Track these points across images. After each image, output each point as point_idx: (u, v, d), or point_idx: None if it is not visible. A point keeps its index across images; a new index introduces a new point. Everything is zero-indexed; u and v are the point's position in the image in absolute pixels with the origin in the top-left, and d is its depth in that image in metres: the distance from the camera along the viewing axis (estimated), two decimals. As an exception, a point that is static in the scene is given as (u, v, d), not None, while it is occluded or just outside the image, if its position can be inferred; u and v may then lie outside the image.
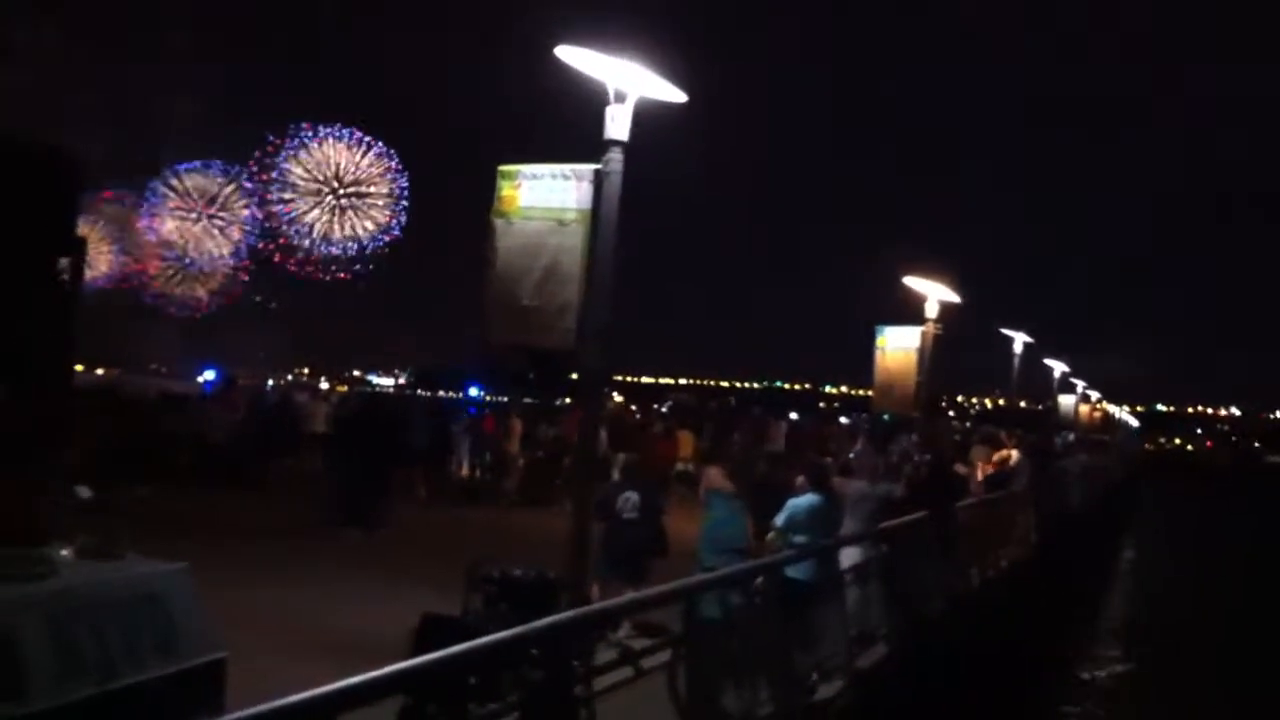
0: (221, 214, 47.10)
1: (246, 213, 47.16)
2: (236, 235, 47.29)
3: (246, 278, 48.02)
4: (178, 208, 46.60)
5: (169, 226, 46.61)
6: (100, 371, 50.94)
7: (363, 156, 47.20)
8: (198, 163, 46.97)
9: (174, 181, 46.45)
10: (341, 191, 46.99)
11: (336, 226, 46.97)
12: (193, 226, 46.82)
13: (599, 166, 7.76)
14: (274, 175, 46.74)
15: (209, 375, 42.43)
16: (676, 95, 7.90)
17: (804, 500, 10.61)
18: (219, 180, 47.09)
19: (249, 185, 47.14)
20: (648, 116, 7.86)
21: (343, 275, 47.69)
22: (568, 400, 35.01)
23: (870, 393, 18.93)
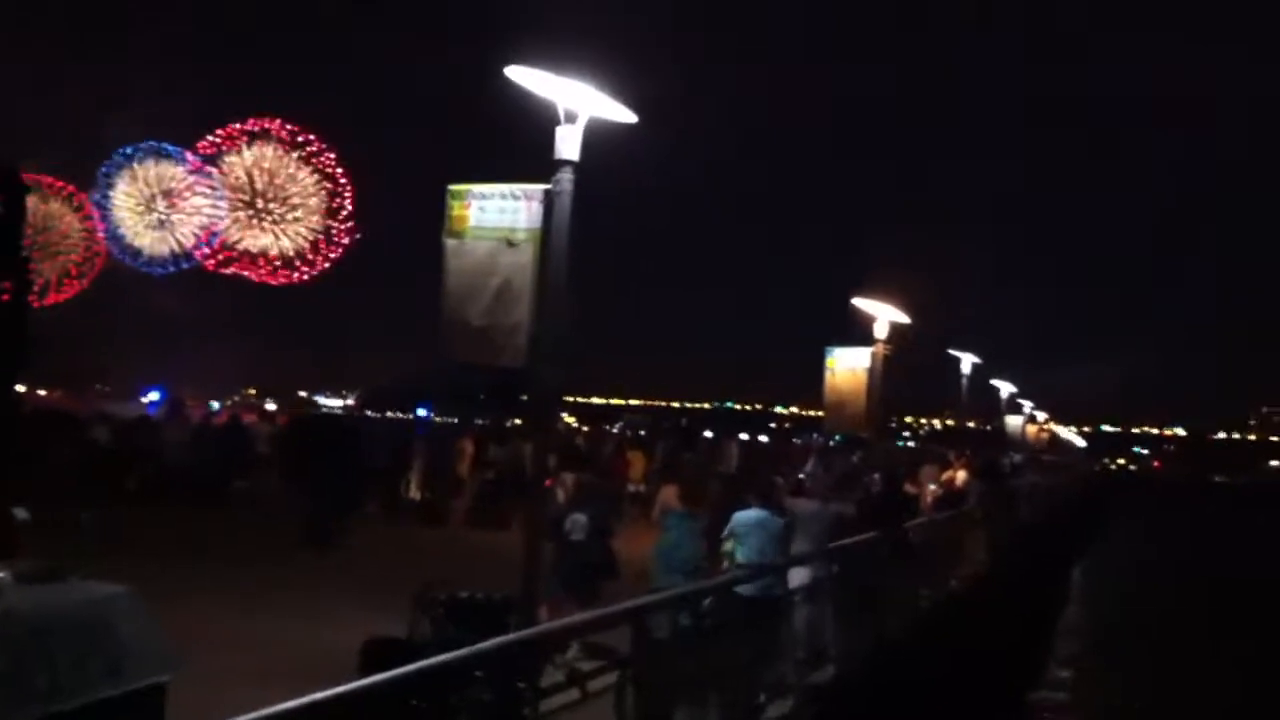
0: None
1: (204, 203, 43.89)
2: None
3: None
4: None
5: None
6: (43, 392, 50.32)
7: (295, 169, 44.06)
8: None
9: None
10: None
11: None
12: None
13: (549, 186, 7.75)
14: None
15: (153, 396, 41.85)
16: (627, 116, 7.91)
17: (749, 513, 10.78)
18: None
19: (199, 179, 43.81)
20: (600, 135, 7.87)
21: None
22: (518, 421, 34.83)
23: (821, 413, 19.01)
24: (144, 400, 42.35)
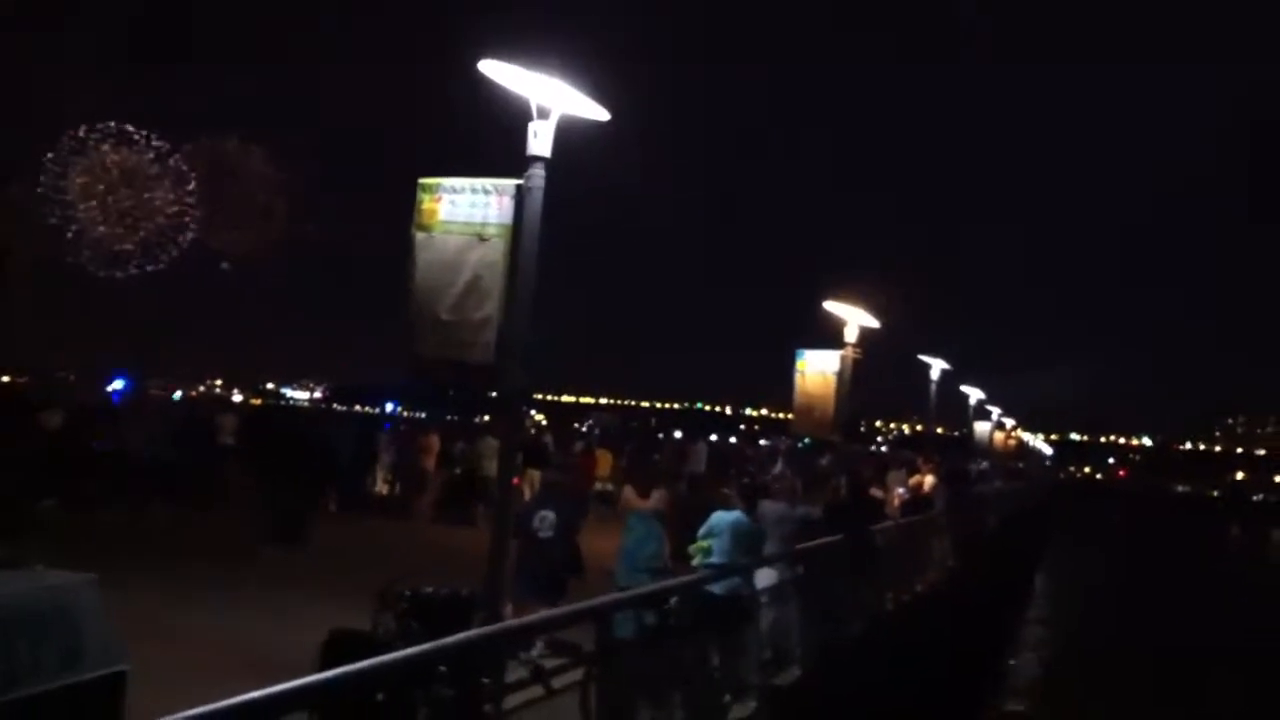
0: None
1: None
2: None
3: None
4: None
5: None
6: (6, 379, 49.81)
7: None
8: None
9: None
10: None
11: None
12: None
13: (520, 181, 7.71)
14: None
15: (118, 385, 41.33)
16: (600, 113, 7.88)
17: (729, 515, 10.91)
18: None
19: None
20: (573, 133, 7.85)
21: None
22: (486, 418, 34.74)
23: (790, 416, 19.05)
24: (108, 389, 41.96)
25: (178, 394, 51.24)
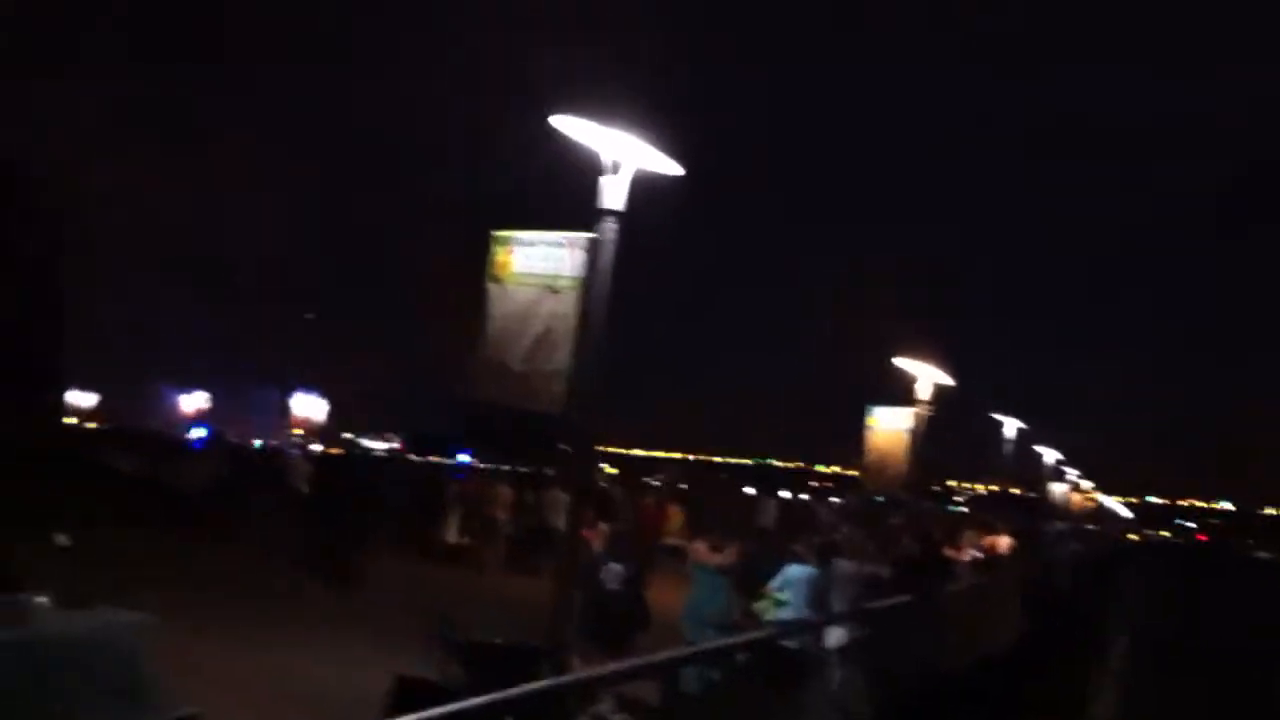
0: None
1: None
2: None
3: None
4: None
5: None
6: (92, 425, 50.88)
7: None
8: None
9: None
10: None
11: None
12: None
13: (593, 235, 7.79)
14: None
15: (200, 433, 42.38)
16: (673, 168, 7.94)
17: (804, 569, 11.19)
18: None
19: None
20: (645, 187, 7.91)
21: None
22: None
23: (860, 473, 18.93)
24: (189, 436, 42.91)
25: (258, 442, 52.08)
